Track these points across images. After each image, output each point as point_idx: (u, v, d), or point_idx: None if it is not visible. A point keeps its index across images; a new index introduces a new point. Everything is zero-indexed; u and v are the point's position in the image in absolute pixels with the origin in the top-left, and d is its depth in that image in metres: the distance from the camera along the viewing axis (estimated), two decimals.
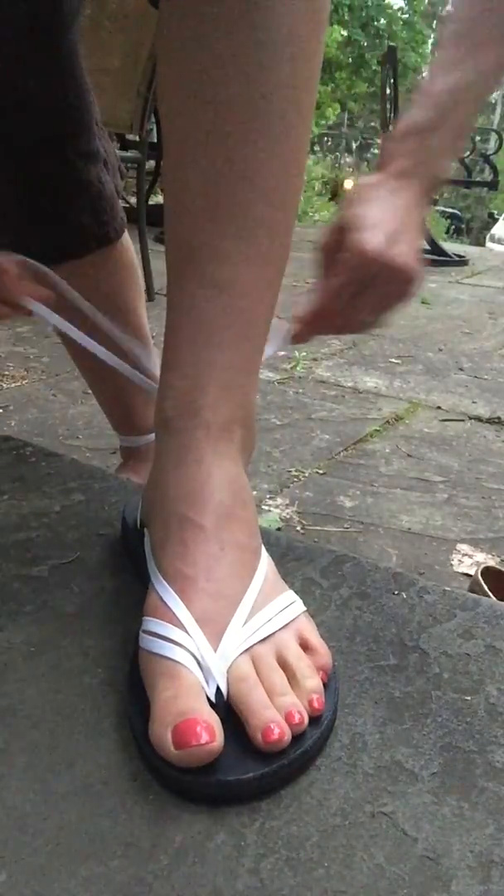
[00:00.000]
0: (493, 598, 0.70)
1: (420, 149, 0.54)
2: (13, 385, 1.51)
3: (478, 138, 4.86)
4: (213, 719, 0.37)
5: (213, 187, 0.45)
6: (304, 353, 1.90)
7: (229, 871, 0.34)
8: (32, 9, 0.61)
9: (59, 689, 0.44)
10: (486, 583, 0.85)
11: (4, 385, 1.51)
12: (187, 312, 0.47)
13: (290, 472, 1.19)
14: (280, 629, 0.43)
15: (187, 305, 0.47)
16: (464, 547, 1.02)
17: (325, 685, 0.42)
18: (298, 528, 1.00)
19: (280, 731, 0.38)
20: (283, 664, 0.42)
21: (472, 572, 0.95)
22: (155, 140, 3.94)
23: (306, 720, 0.39)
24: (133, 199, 2.80)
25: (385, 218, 0.53)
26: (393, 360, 1.94)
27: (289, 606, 0.45)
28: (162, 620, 0.42)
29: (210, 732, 0.36)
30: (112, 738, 0.41)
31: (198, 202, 0.45)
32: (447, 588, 0.57)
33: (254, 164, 0.44)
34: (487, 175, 4.13)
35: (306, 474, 1.19)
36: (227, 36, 0.42)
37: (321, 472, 1.21)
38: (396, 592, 0.56)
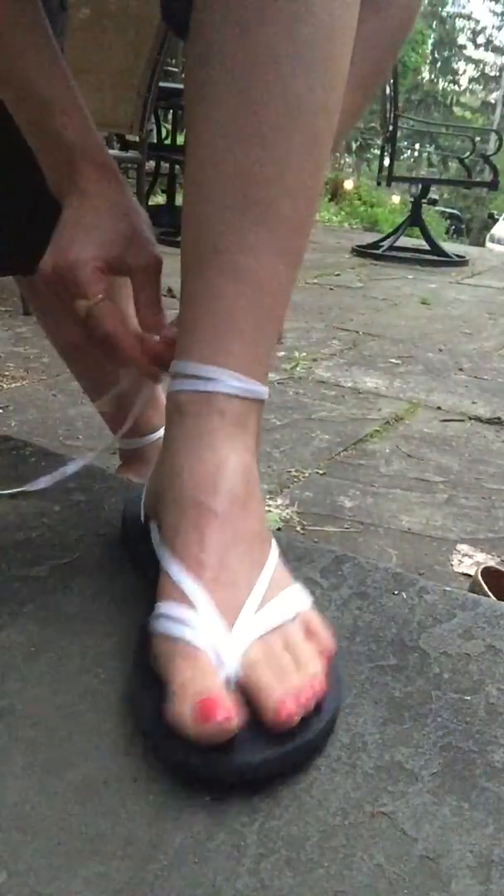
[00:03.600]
0: (493, 598, 0.70)
1: None
2: (13, 385, 1.51)
3: (478, 139, 4.86)
4: (232, 698, 0.38)
5: (243, 183, 0.46)
6: (304, 354, 1.90)
7: (229, 871, 0.34)
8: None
9: (59, 689, 0.44)
10: (486, 583, 0.85)
11: (4, 385, 1.51)
12: (208, 300, 0.48)
13: (290, 472, 1.19)
14: (288, 619, 0.44)
15: (209, 294, 0.48)
16: (464, 547, 1.02)
17: (328, 669, 0.43)
18: (298, 529, 1.00)
19: (290, 709, 0.39)
20: (290, 650, 0.43)
21: (472, 572, 0.95)
22: (155, 140, 3.94)
23: (313, 702, 0.40)
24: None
25: None
26: (393, 360, 1.94)
27: (297, 597, 0.46)
28: (178, 604, 0.43)
29: (229, 710, 0.37)
30: (112, 738, 0.41)
31: (227, 196, 0.47)
32: (447, 588, 0.57)
33: (285, 162, 0.46)
34: (487, 175, 4.13)
35: (306, 474, 1.19)
36: (269, 40, 0.44)
37: (321, 472, 1.21)
38: (396, 592, 0.56)
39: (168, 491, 0.49)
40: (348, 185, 9.23)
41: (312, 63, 0.45)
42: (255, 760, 0.38)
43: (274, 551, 0.48)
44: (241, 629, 0.42)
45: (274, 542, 0.48)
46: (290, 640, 0.43)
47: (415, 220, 4.11)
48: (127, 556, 0.58)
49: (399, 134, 3.92)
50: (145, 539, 0.53)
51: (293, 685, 0.40)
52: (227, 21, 0.45)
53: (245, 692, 0.40)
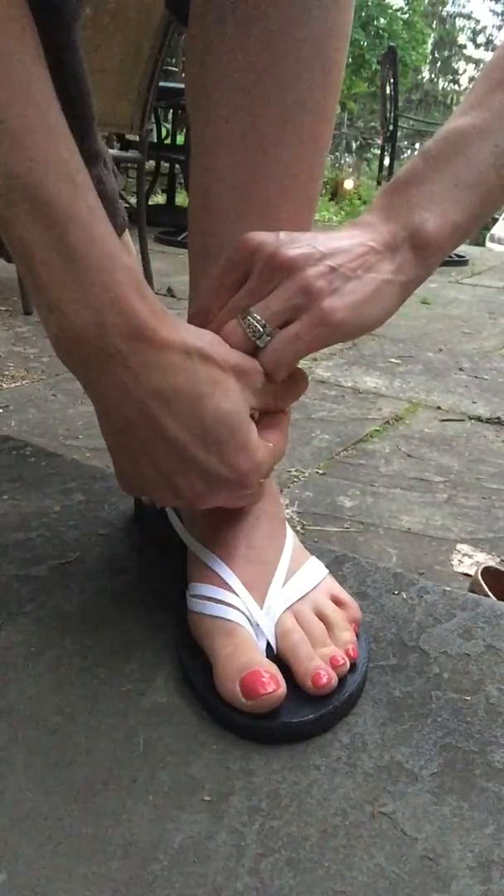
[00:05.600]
0: (493, 598, 0.70)
1: (399, 201, 0.42)
2: (13, 385, 1.51)
3: None
4: (274, 669, 0.41)
5: (245, 186, 0.48)
6: None
7: (229, 871, 0.34)
8: (32, 10, 0.61)
9: (59, 689, 0.44)
10: (486, 583, 0.85)
11: (4, 385, 1.51)
12: None
13: (290, 472, 1.19)
14: (313, 588, 0.48)
15: None
16: (464, 547, 1.02)
17: (357, 635, 0.47)
18: (298, 529, 1.00)
19: (328, 677, 0.42)
20: (321, 617, 0.46)
21: (472, 572, 0.95)
22: (155, 140, 3.94)
23: (348, 664, 0.44)
24: (133, 199, 2.80)
25: (312, 236, 0.42)
26: (393, 360, 1.94)
27: (317, 568, 0.49)
28: (211, 585, 0.46)
29: (275, 681, 0.41)
30: (112, 738, 0.41)
31: (230, 199, 0.48)
32: (447, 588, 0.57)
33: (284, 166, 0.47)
34: None
35: (306, 474, 1.19)
36: (267, 48, 0.45)
37: (321, 472, 1.21)
38: (396, 592, 0.56)
39: None
40: (348, 185, 9.22)
41: (310, 65, 0.46)
42: (297, 720, 0.41)
43: (289, 529, 0.51)
44: (271, 602, 0.46)
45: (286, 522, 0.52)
46: (321, 607, 0.47)
47: None
48: (143, 533, 0.60)
49: (399, 134, 3.92)
50: (162, 518, 0.56)
51: (328, 654, 0.43)
52: (226, 22, 0.45)
53: (283, 660, 0.43)
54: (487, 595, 0.81)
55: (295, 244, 0.41)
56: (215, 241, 0.50)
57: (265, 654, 0.44)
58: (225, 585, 0.46)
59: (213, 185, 0.49)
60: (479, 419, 1.54)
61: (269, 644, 0.44)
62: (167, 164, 4.29)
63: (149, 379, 0.38)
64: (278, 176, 0.48)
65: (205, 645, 0.45)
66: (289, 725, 0.41)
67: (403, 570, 0.60)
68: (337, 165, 13.27)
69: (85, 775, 0.39)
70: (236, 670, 0.41)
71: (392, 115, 3.78)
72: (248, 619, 0.45)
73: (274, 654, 0.44)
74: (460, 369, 1.91)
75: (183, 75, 3.85)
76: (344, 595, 0.49)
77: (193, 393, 0.39)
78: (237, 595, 0.45)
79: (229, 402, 0.40)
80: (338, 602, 0.48)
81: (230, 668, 0.42)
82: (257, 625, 0.45)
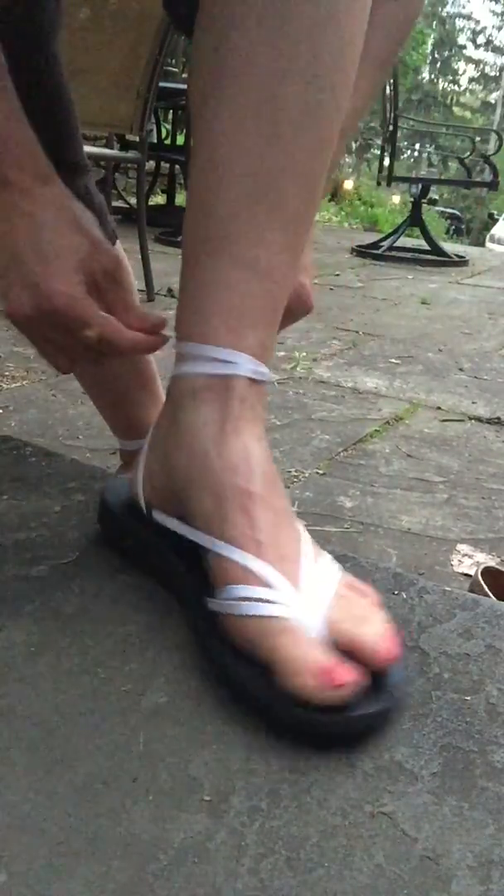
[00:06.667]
0: (493, 598, 0.70)
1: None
2: (13, 385, 1.51)
3: (478, 139, 4.85)
4: (342, 658, 0.41)
5: (256, 179, 0.47)
6: (304, 354, 1.90)
7: (229, 871, 0.34)
8: (11, 24, 0.61)
9: (59, 689, 0.44)
10: (486, 583, 0.85)
11: (4, 385, 1.51)
12: (223, 290, 0.50)
13: (290, 472, 1.19)
14: (338, 580, 0.47)
15: (222, 282, 0.50)
16: (464, 547, 1.02)
17: None
18: None
19: (392, 647, 0.43)
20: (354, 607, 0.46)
21: (472, 572, 0.95)
22: (155, 140, 3.94)
23: (399, 638, 0.44)
24: (133, 200, 2.79)
25: None
26: (393, 360, 1.94)
27: (332, 561, 0.49)
28: (253, 585, 0.45)
29: (349, 673, 0.40)
30: (112, 738, 0.41)
31: (240, 190, 0.48)
32: (447, 588, 0.57)
33: (300, 161, 0.48)
34: (487, 175, 4.13)
35: (306, 474, 1.19)
36: (291, 42, 0.45)
37: (321, 472, 1.21)
38: (396, 592, 0.56)
39: (196, 478, 0.49)
40: (348, 185, 9.22)
41: (332, 66, 0.46)
42: (373, 711, 0.41)
43: (301, 525, 0.51)
44: (313, 593, 0.45)
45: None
46: (349, 599, 0.46)
47: (415, 220, 4.11)
48: (108, 539, 0.59)
49: (399, 134, 3.92)
50: (146, 527, 0.54)
51: (380, 629, 0.44)
52: (249, 18, 0.45)
53: (341, 647, 0.43)
54: (487, 595, 0.81)
55: None
56: (221, 231, 0.49)
57: (322, 645, 0.43)
58: (267, 585, 0.45)
59: (221, 175, 0.48)
60: (479, 419, 1.54)
61: (322, 635, 0.43)
62: (167, 165, 4.29)
63: None
64: (289, 172, 0.48)
65: (258, 647, 0.44)
66: (366, 718, 0.41)
67: (403, 571, 0.60)
68: (337, 165, 13.26)
69: (85, 775, 0.39)
70: (309, 667, 0.41)
71: (392, 115, 3.78)
72: (297, 613, 0.44)
73: (328, 644, 0.43)
74: (460, 370, 1.91)
75: (183, 75, 3.85)
76: (360, 584, 0.49)
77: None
78: (286, 594, 0.44)
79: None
80: (359, 591, 0.48)
81: (300, 666, 0.41)
82: (307, 617, 0.44)
